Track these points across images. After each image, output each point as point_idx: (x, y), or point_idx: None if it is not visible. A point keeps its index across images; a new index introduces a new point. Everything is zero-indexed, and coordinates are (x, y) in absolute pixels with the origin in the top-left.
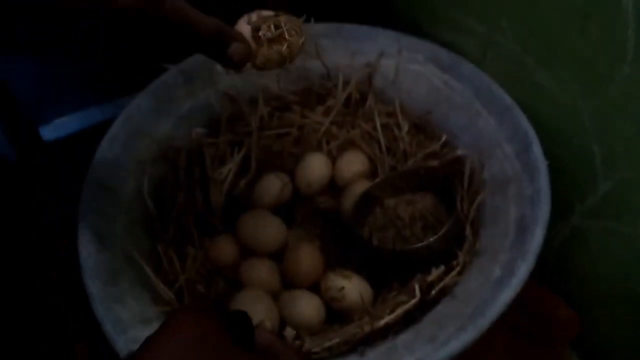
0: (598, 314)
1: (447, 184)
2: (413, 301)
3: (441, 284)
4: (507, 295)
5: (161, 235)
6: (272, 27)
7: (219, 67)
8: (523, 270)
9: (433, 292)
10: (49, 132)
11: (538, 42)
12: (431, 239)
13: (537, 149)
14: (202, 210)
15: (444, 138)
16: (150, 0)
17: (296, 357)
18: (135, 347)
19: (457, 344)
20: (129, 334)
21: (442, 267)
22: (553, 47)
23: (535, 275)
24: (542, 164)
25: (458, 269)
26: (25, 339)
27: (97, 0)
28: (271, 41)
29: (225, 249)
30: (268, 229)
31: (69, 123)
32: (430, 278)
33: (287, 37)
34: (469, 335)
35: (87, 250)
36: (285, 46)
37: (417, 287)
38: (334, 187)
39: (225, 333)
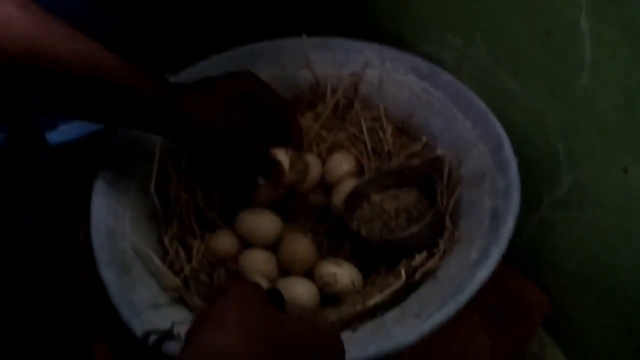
0: (566, 295)
1: (429, 181)
2: (399, 282)
3: (424, 268)
4: (482, 274)
5: (166, 229)
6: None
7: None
8: (496, 253)
9: (417, 274)
10: (55, 136)
11: (507, 54)
12: (414, 229)
13: (508, 148)
14: (204, 207)
15: (424, 140)
16: None
17: (326, 320)
18: (150, 326)
19: (439, 317)
20: (143, 317)
21: (425, 254)
22: (520, 58)
23: (509, 261)
24: (512, 161)
25: (439, 254)
26: (25, 339)
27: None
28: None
29: (225, 242)
30: (266, 224)
31: (75, 128)
32: (414, 263)
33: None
34: (450, 309)
35: (101, 243)
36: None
37: (402, 270)
38: (324, 185)
39: (266, 298)
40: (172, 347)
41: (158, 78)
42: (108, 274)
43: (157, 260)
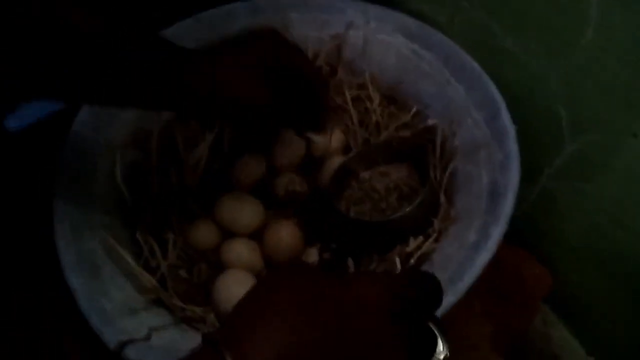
0: (569, 270)
1: (420, 154)
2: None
3: (419, 253)
4: (483, 258)
5: (139, 222)
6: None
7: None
8: (497, 233)
9: (412, 260)
10: (13, 121)
11: (504, 9)
12: (406, 209)
13: (505, 114)
14: (178, 193)
15: (414, 108)
16: None
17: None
18: (124, 337)
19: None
20: (117, 326)
21: (421, 238)
22: (519, 13)
23: (508, 235)
24: (510, 129)
25: (435, 236)
26: (17, 337)
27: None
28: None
29: (205, 233)
30: (246, 211)
31: (34, 110)
32: (408, 249)
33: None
34: (448, 300)
35: (66, 244)
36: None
37: (397, 259)
38: (310, 161)
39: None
40: (151, 358)
41: (165, 42)
42: (74, 279)
43: (129, 258)
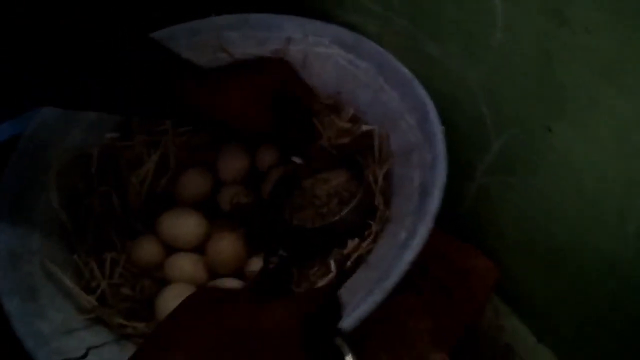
0: (511, 261)
1: (358, 159)
2: (329, 276)
3: (355, 255)
4: (408, 256)
5: (79, 244)
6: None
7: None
8: (423, 231)
9: (349, 263)
10: None
11: (425, 17)
12: (343, 213)
13: (433, 117)
14: (121, 214)
15: (351, 112)
16: None
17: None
18: (58, 357)
19: (365, 308)
20: (52, 345)
21: (357, 240)
22: (438, 20)
23: (454, 231)
24: (438, 130)
25: (371, 237)
26: None
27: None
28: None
29: (148, 250)
30: (187, 225)
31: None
32: (346, 251)
33: None
34: (376, 297)
35: (3, 270)
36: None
37: (332, 263)
38: (255, 175)
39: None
40: None
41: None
42: (10, 304)
43: (66, 280)
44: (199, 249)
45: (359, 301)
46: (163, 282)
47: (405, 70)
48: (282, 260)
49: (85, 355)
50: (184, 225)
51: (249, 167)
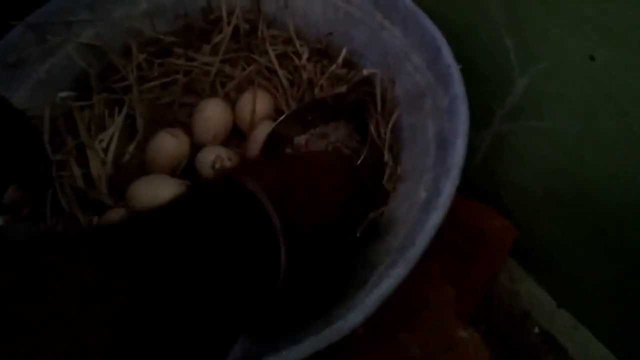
0: (531, 218)
1: (359, 110)
2: None
3: (366, 221)
4: (435, 217)
5: (36, 223)
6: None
7: None
8: (449, 187)
9: (357, 233)
10: None
11: None
12: None
13: (446, 53)
14: (84, 187)
15: (343, 52)
16: None
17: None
18: None
19: (389, 283)
20: None
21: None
22: None
23: (464, 189)
24: (454, 69)
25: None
26: None
27: None
28: None
29: None
30: (165, 194)
31: None
32: None
33: None
34: (401, 270)
35: None
36: None
37: None
38: (238, 133)
39: None
40: None
41: None
42: None
43: None
44: None
45: (380, 276)
46: None
47: (407, 0)
48: None
49: None
50: (161, 195)
51: (231, 125)
